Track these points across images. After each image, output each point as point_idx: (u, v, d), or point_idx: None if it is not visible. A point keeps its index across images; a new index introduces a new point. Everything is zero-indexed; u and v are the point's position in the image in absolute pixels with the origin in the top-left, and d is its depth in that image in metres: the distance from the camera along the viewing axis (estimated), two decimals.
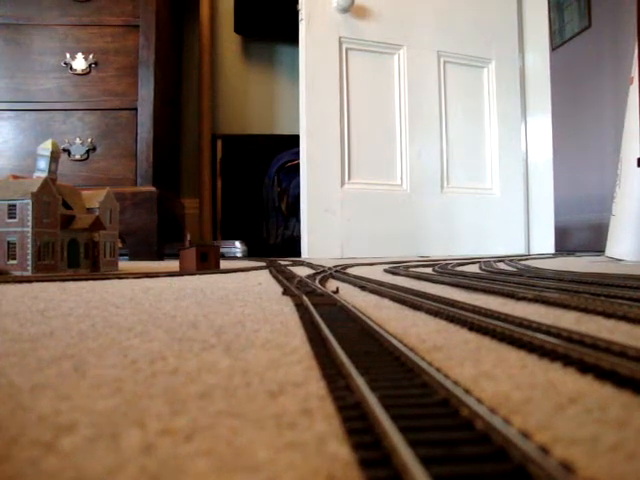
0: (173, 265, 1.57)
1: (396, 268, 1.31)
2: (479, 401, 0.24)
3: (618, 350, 0.34)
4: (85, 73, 2.34)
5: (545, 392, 0.28)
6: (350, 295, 0.75)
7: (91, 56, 2.34)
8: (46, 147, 1.32)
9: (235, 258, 2.64)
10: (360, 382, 0.26)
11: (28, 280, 1.06)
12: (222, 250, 2.55)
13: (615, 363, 0.30)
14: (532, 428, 0.23)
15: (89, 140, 2.33)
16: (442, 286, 0.88)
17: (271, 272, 1.27)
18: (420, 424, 0.22)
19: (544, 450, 0.18)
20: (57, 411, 0.26)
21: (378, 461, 0.19)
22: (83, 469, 0.19)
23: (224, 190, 3.05)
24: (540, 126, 2.68)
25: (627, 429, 0.23)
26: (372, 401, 0.23)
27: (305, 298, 0.62)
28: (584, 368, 0.32)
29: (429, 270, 1.27)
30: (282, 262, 1.83)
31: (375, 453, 0.20)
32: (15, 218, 1.21)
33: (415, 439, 0.20)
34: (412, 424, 0.21)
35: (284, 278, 0.99)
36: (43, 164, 1.30)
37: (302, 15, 2.30)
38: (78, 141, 2.32)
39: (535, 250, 2.67)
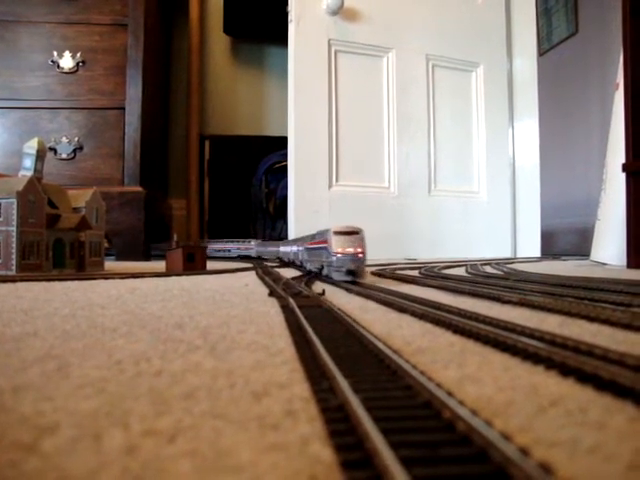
0: (160, 266, 1.57)
1: (382, 270, 1.31)
2: (462, 403, 0.24)
3: (600, 354, 0.34)
4: (72, 71, 2.33)
5: (527, 395, 0.29)
6: (336, 297, 0.75)
7: (79, 54, 2.33)
8: (32, 145, 1.31)
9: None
10: (344, 384, 0.26)
11: (12, 280, 1.05)
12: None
13: (597, 366, 0.31)
14: (513, 430, 0.23)
15: (76, 139, 2.31)
16: (428, 289, 0.89)
17: (258, 273, 1.27)
18: (402, 426, 0.22)
19: (524, 452, 0.19)
20: (39, 412, 0.25)
21: (360, 462, 0.19)
22: (65, 470, 0.19)
23: (212, 191, 3.04)
24: (527, 130, 2.70)
25: (606, 431, 0.23)
26: (355, 403, 0.23)
27: (291, 300, 0.62)
28: (566, 371, 0.32)
29: (415, 273, 1.28)
30: (269, 263, 1.83)
31: (357, 454, 0.20)
32: (0, 217, 1.20)
33: (397, 441, 0.20)
34: (394, 426, 0.21)
35: (271, 280, 0.99)
36: (29, 163, 1.30)
37: (291, 16, 2.30)
38: (65, 140, 2.31)
39: (521, 253, 2.68)
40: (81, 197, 1.41)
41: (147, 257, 2.34)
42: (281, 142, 2.58)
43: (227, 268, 1.48)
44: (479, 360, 0.37)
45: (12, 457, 0.20)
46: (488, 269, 1.48)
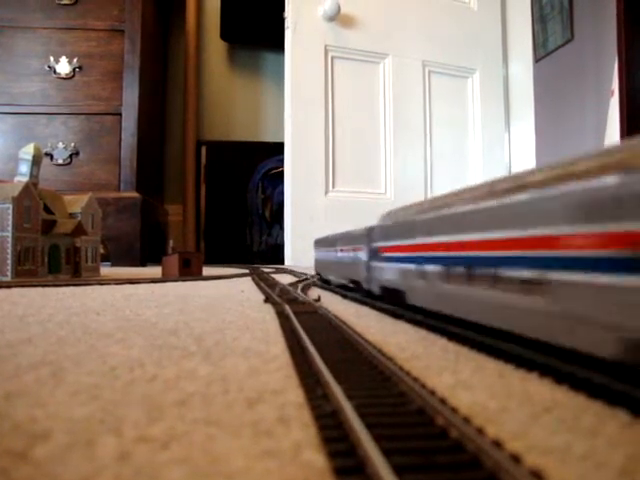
0: (156, 271, 1.56)
1: None
2: (455, 410, 0.24)
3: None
4: (69, 77, 2.33)
5: (521, 401, 0.29)
6: (331, 303, 0.75)
7: (75, 60, 2.33)
8: (28, 151, 1.31)
9: None
10: (337, 390, 0.26)
11: (7, 285, 1.05)
12: None
13: (590, 373, 0.31)
14: (506, 437, 0.23)
15: (72, 144, 2.31)
16: None
17: (254, 279, 1.27)
18: (395, 433, 0.22)
19: (516, 458, 0.19)
20: (32, 419, 0.25)
21: (353, 469, 0.19)
22: (57, 478, 0.19)
23: (208, 197, 3.04)
24: (523, 136, 2.71)
25: (598, 438, 0.23)
26: (348, 409, 0.23)
27: (287, 306, 0.62)
28: (560, 378, 0.32)
29: None
30: (265, 269, 1.83)
31: (350, 461, 0.20)
32: None
33: (390, 448, 0.20)
34: (387, 433, 0.21)
35: (266, 286, 0.99)
36: (25, 168, 1.29)
37: (288, 23, 2.30)
38: (61, 145, 2.31)
39: None
40: (77, 203, 1.41)
41: (143, 263, 2.34)
42: (277, 148, 2.58)
43: (223, 274, 1.48)
44: (473, 367, 0.37)
45: (3, 465, 0.20)
46: None
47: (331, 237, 1.02)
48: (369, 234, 0.70)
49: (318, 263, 1.19)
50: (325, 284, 1.06)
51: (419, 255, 0.52)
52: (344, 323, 0.49)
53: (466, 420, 0.22)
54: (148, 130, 2.57)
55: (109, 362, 0.38)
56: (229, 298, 0.85)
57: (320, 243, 1.17)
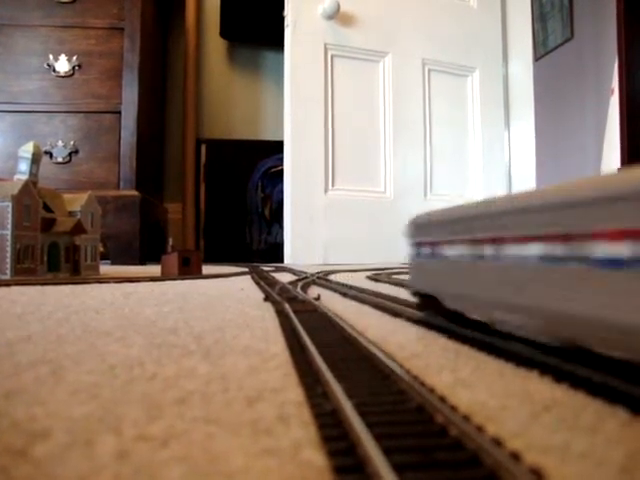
0: (155, 270, 1.56)
1: (378, 275, 1.32)
2: (454, 408, 0.24)
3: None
4: (68, 75, 2.32)
5: (521, 400, 0.29)
6: (331, 302, 0.75)
7: (75, 58, 2.33)
8: (27, 149, 1.30)
9: None
10: (337, 389, 0.26)
11: (7, 284, 1.05)
12: None
13: (590, 372, 0.31)
14: (506, 435, 0.23)
15: (72, 143, 2.31)
16: None
17: (253, 278, 1.27)
18: (395, 431, 0.22)
19: (516, 457, 0.19)
20: (32, 417, 0.25)
21: (352, 468, 0.19)
22: (56, 477, 0.19)
23: (207, 195, 3.04)
24: (523, 135, 2.71)
25: (598, 436, 0.23)
26: (348, 408, 0.23)
27: (286, 305, 0.62)
28: (560, 377, 0.32)
29: None
30: (265, 268, 1.83)
31: (350, 460, 0.20)
32: None
33: (389, 446, 0.20)
34: (387, 431, 0.21)
35: (266, 284, 0.99)
36: (24, 166, 1.29)
37: (288, 21, 2.30)
38: (60, 144, 2.30)
39: None
40: (76, 201, 1.41)
41: (142, 261, 2.34)
42: (277, 146, 2.58)
43: (223, 273, 1.48)
44: (473, 365, 0.37)
45: (2, 463, 0.20)
46: None
47: (498, 206, 0.38)
48: None
49: (424, 274, 0.53)
50: (439, 317, 0.50)
51: None
52: (344, 321, 0.49)
53: (466, 418, 0.22)
54: (147, 128, 2.57)
55: (108, 361, 0.38)
56: (229, 296, 0.85)
57: (434, 228, 0.52)
